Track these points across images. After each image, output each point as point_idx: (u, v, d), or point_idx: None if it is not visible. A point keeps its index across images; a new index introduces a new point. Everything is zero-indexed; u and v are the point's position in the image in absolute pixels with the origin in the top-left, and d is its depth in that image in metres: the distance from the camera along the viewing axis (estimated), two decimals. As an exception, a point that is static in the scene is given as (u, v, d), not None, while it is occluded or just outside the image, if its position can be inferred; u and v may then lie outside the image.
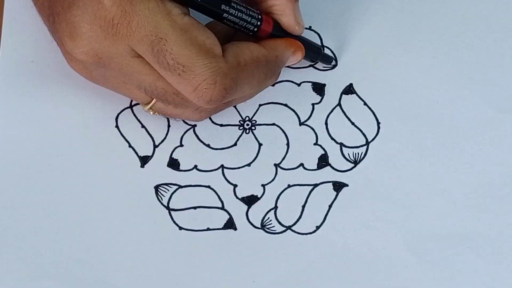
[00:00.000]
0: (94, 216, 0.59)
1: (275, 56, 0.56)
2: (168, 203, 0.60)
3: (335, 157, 0.61)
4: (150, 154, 0.61)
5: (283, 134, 0.62)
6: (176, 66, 0.51)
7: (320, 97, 0.62)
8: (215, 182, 0.60)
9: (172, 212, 0.60)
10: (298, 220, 0.60)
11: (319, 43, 0.63)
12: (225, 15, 0.54)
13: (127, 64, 0.53)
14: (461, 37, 0.63)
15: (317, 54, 0.61)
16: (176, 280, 0.58)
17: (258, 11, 0.56)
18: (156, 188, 0.60)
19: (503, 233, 0.59)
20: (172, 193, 0.60)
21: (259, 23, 0.56)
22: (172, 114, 0.57)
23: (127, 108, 0.62)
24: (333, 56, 0.62)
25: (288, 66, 0.60)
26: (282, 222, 0.60)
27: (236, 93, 0.54)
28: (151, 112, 0.58)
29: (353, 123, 0.62)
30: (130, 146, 0.61)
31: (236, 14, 0.54)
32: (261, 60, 0.55)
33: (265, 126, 0.62)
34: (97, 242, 0.59)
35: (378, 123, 0.62)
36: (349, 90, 0.63)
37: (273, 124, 0.62)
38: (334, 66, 0.62)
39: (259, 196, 0.60)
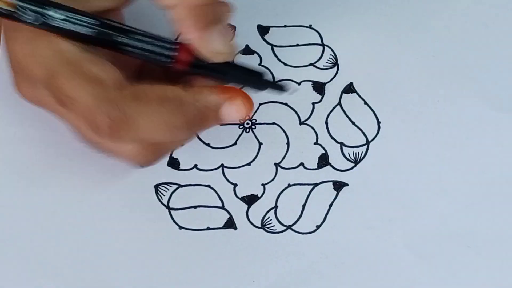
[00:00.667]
0: (94, 215, 0.59)
1: (195, 100, 0.52)
2: (168, 202, 0.60)
3: (335, 157, 0.61)
4: (150, 153, 0.61)
5: (283, 133, 0.61)
6: (66, 99, 0.51)
7: (320, 96, 0.62)
8: (215, 182, 0.60)
9: (172, 212, 0.60)
10: (298, 219, 0.60)
11: (320, 41, 0.63)
12: (121, 47, 0.52)
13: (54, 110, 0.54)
14: (461, 37, 0.63)
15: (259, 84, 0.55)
16: (176, 279, 0.58)
17: (172, 40, 0.53)
18: (156, 187, 0.60)
19: (503, 232, 0.59)
20: (172, 193, 0.60)
21: (172, 53, 0.52)
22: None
23: (126, 107, 0.62)
24: (282, 85, 0.56)
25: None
26: (282, 222, 0.60)
27: (129, 127, 0.50)
28: None
29: (353, 123, 0.62)
30: (130, 145, 0.61)
31: (139, 46, 0.52)
32: (170, 100, 0.51)
33: (265, 125, 0.62)
34: (97, 242, 0.59)
35: (379, 123, 0.62)
36: (349, 89, 0.63)
37: (273, 123, 0.62)
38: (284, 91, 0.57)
39: (259, 195, 0.60)
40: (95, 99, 0.50)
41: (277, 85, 0.56)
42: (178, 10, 0.52)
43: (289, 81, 0.62)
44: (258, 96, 0.62)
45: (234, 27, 0.61)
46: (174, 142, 0.56)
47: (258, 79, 0.55)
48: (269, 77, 0.58)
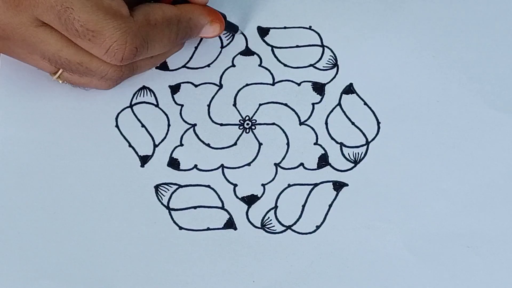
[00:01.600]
0: (94, 216, 0.59)
1: (189, 18, 0.59)
2: (168, 202, 0.60)
3: (335, 157, 0.61)
4: (150, 153, 0.61)
5: (283, 134, 0.61)
6: (86, 32, 0.54)
7: (320, 97, 0.62)
8: (215, 182, 0.60)
9: (172, 212, 0.60)
10: (298, 219, 0.60)
11: (320, 42, 0.63)
12: None
13: (31, 35, 0.55)
14: (461, 37, 0.63)
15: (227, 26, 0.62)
16: (176, 279, 0.58)
17: None
18: (156, 187, 0.60)
19: (503, 232, 0.59)
20: (172, 193, 0.60)
21: None
22: (79, 83, 0.59)
23: (127, 107, 0.62)
24: (236, 25, 0.64)
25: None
26: (282, 222, 0.60)
27: (147, 51, 0.57)
28: (60, 81, 0.59)
29: (353, 123, 0.62)
30: (130, 145, 0.61)
31: None
32: (172, 20, 0.58)
33: (265, 125, 0.62)
34: (97, 242, 0.59)
35: (378, 123, 0.62)
36: (349, 89, 0.63)
37: (273, 123, 0.62)
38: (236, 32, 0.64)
39: (259, 195, 0.60)
40: (121, 33, 0.54)
41: (233, 26, 0.63)
42: None
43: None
44: (258, 97, 0.62)
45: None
46: (162, 55, 0.61)
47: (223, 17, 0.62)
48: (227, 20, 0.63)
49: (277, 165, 0.61)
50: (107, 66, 0.57)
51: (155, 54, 0.59)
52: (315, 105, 0.62)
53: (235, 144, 0.61)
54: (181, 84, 0.63)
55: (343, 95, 0.62)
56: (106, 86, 0.59)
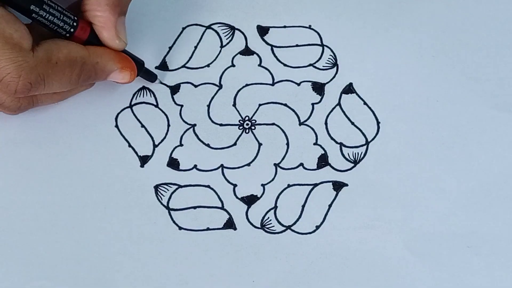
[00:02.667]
0: (94, 216, 0.59)
1: (96, 62, 0.57)
2: (167, 203, 0.60)
3: (335, 157, 0.61)
4: (149, 153, 0.61)
5: (283, 134, 0.61)
6: None
7: (320, 97, 0.62)
8: (214, 182, 0.60)
9: (171, 212, 0.60)
10: (298, 220, 0.60)
11: (320, 42, 0.63)
12: (34, 15, 0.55)
13: None
14: (461, 37, 0.63)
15: (139, 71, 0.61)
16: (176, 280, 0.58)
17: (75, 18, 0.57)
18: (156, 188, 0.60)
19: (503, 232, 0.59)
20: (172, 193, 0.60)
21: (72, 29, 0.56)
22: None
23: (126, 107, 0.62)
24: (155, 74, 0.62)
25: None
26: (282, 222, 0.60)
27: (43, 88, 0.55)
28: None
29: (352, 123, 0.62)
30: (129, 145, 0.61)
31: (46, 17, 0.55)
32: (77, 61, 0.56)
33: (265, 125, 0.62)
34: (97, 242, 0.59)
35: (378, 123, 0.62)
36: (348, 89, 0.63)
37: (273, 123, 0.62)
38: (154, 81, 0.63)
39: (259, 196, 0.60)
40: (16, 66, 0.53)
41: (151, 74, 0.62)
42: None
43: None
44: (258, 97, 0.62)
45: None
46: (59, 94, 0.59)
47: (139, 66, 0.61)
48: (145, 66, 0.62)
49: (276, 165, 0.61)
50: (4, 94, 0.56)
51: (57, 91, 0.58)
52: (315, 105, 0.62)
53: (234, 144, 0.61)
54: (181, 84, 0.63)
55: (343, 95, 0.62)
56: (8, 112, 0.58)
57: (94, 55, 0.57)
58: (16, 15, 0.54)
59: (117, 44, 0.58)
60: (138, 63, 0.60)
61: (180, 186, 0.60)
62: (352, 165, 0.61)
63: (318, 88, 0.63)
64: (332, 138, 0.61)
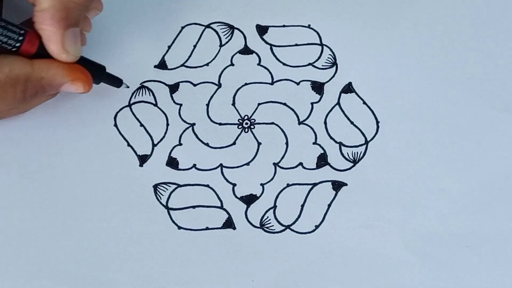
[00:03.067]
0: (93, 215, 0.59)
1: (41, 78, 0.56)
2: (167, 202, 0.60)
3: (334, 156, 0.61)
4: (148, 153, 0.61)
5: (282, 133, 0.61)
6: None
7: (319, 96, 0.62)
8: (214, 181, 0.60)
9: (171, 211, 0.59)
10: (297, 219, 0.60)
11: (319, 41, 0.63)
12: None
13: None
14: (461, 37, 0.63)
15: (99, 78, 0.59)
16: (175, 279, 0.58)
17: (21, 32, 0.55)
18: (155, 187, 0.60)
19: (503, 232, 0.59)
20: (171, 192, 0.60)
21: (18, 44, 0.55)
22: None
23: (125, 106, 0.62)
24: (120, 78, 0.61)
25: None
26: (281, 222, 0.60)
27: None
28: None
29: (352, 122, 0.62)
30: (128, 145, 0.61)
31: None
32: (20, 79, 0.55)
33: (264, 125, 0.62)
34: (96, 242, 0.58)
35: (377, 122, 0.62)
36: (348, 89, 0.63)
37: (272, 123, 0.62)
38: (120, 86, 0.61)
39: (258, 195, 0.60)
40: None
41: (114, 79, 0.60)
42: (46, 6, 0.55)
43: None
44: (257, 96, 0.62)
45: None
46: (9, 111, 0.58)
47: (99, 72, 0.59)
48: (106, 72, 0.60)
49: (276, 164, 0.61)
50: None
51: (2, 110, 0.56)
52: (314, 105, 0.62)
53: (234, 143, 0.61)
54: (180, 83, 0.63)
55: (342, 94, 0.62)
56: None
57: (39, 70, 0.56)
58: None
59: (64, 57, 0.56)
60: (98, 69, 0.59)
61: (179, 186, 0.60)
62: (352, 164, 0.61)
63: (318, 87, 0.63)
64: (331, 138, 0.61)
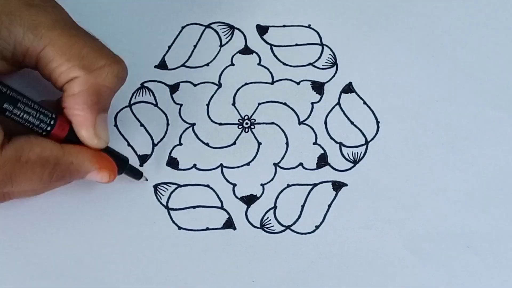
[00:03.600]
0: (93, 215, 0.59)
1: (70, 162, 0.55)
2: (167, 202, 0.60)
3: (334, 157, 0.61)
4: (149, 153, 0.61)
5: (283, 133, 0.61)
6: None
7: (320, 96, 0.62)
8: (214, 182, 0.60)
9: (171, 212, 0.60)
10: (297, 219, 0.60)
11: (319, 41, 0.63)
12: (7, 113, 0.53)
13: None
14: (461, 37, 0.63)
15: (121, 169, 0.58)
16: (175, 279, 0.58)
17: (53, 116, 0.54)
18: (155, 187, 0.60)
19: (503, 232, 0.59)
20: (171, 193, 0.60)
21: (49, 128, 0.54)
22: None
23: (126, 107, 0.62)
24: (140, 171, 0.60)
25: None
26: (282, 222, 0.60)
27: (11, 187, 0.53)
28: None
29: (352, 123, 0.62)
30: (129, 145, 0.61)
31: (21, 116, 0.53)
32: (50, 161, 0.54)
33: (264, 125, 0.62)
34: (96, 242, 0.58)
35: (378, 122, 0.62)
36: (348, 89, 0.63)
37: (273, 123, 0.62)
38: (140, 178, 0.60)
39: (258, 195, 0.60)
40: None
41: (136, 172, 0.59)
42: (78, 90, 0.54)
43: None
44: (257, 96, 0.62)
45: None
46: (26, 192, 0.57)
47: (122, 164, 0.58)
48: (129, 164, 0.59)
49: (276, 165, 0.61)
50: None
51: (23, 190, 0.55)
52: (314, 104, 0.62)
53: (234, 143, 0.61)
54: (180, 83, 0.63)
55: (343, 94, 0.62)
56: None
57: (69, 154, 0.55)
58: None
59: (95, 143, 0.56)
60: (122, 160, 0.58)
61: (179, 186, 0.60)
62: (352, 165, 0.61)
63: (318, 87, 0.63)
64: (331, 138, 0.61)
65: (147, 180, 0.60)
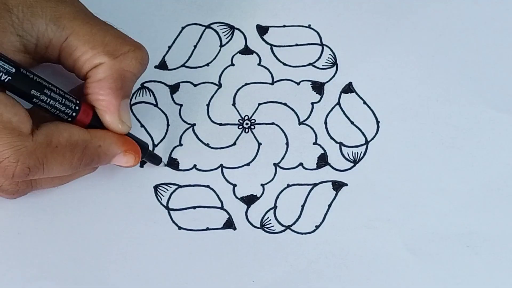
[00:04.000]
0: (94, 215, 0.59)
1: (98, 146, 0.55)
2: (167, 203, 0.60)
3: (334, 157, 0.61)
4: (149, 153, 0.61)
5: (283, 134, 0.61)
6: None
7: (320, 96, 0.62)
8: (214, 182, 0.60)
9: (171, 212, 0.60)
10: (297, 219, 0.60)
11: (319, 41, 0.63)
12: (34, 100, 0.53)
13: None
14: (461, 37, 0.63)
15: (143, 154, 0.59)
16: (175, 280, 0.58)
17: (77, 102, 0.55)
18: (156, 188, 0.60)
19: (503, 232, 0.59)
20: (172, 193, 0.60)
21: (74, 113, 0.55)
22: None
23: (126, 107, 0.62)
24: (160, 156, 0.60)
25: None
26: (282, 222, 0.60)
27: (43, 172, 0.54)
28: None
29: (352, 122, 0.62)
30: (129, 145, 0.61)
31: (47, 101, 0.54)
32: (78, 145, 0.54)
33: (264, 125, 0.62)
34: (97, 242, 0.59)
35: (378, 122, 0.62)
36: (348, 89, 0.63)
37: (273, 123, 0.62)
38: (159, 163, 0.60)
39: (258, 195, 0.60)
40: (14, 151, 0.52)
41: (156, 157, 0.60)
42: (103, 76, 0.55)
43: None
44: (257, 96, 0.62)
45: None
46: (53, 180, 0.57)
47: (143, 149, 0.58)
48: (149, 149, 0.60)
49: (276, 165, 0.61)
50: (2, 178, 0.54)
51: (54, 175, 0.55)
52: (314, 105, 0.62)
53: (234, 144, 0.61)
54: (180, 84, 0.63)
55: (342, 94, 0.62)
56: (5, 196, 0.56)
57: (96, 138, 0.55)
58: (18, 99, 0.53)
59: (120, 128, 0.56)
60: (142, 146, 0.58)
61: (179, 186, 0.60)
62: (352, 164, 0.61)
63: (318, 87, 0.63)
64: (331, 138, 0.61)
65: (166, 165, 0.60)
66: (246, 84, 0.63)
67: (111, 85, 0.55)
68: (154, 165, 0.60)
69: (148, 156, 0.59)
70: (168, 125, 0.62)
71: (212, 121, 0.62)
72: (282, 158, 0.61)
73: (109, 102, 0.55)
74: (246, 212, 0.60)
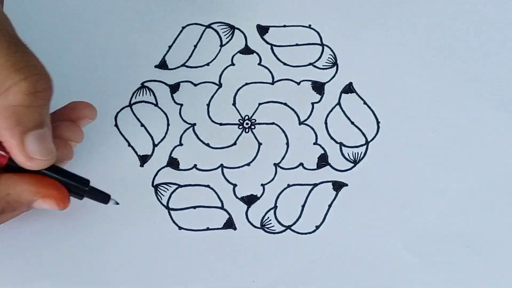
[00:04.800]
0: (94, 215, 0.59)
1: (6, 194, 0.51)
2: (167, 202, 0.60)
3: (334, 157, 0.61)
4: (149, 153, 0.61)
5: (283, 134, 0.61)
6: None
7: (320, 96, 0.62)
8: (214, 182, 0.60)
9: (171, 212, 0.60)
10: (297, 219, 0.60)
11: (320, 41, 0.63)
12: None
13: None
14: (461, 37, 0.63)
15: (81, 193, 0.55)
16: (175, 280, 0.58)
17: None
18: (156, 187, 0.60)
19: (503, 232, 0.59)
20: (172, 193, 0.60)
21: None
22: None
23: (126, 106, 0.62)
24: (107, 194, 0.56)
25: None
26: (282, 222, 0.60)
27: None
28: None
29: (352, 123, 0.62)
30: (129, 145, 0.61)
31: None
32: None
33: (264, 125, 0.62)
34: (97, 242, 0.58)
35: (378, 123, 0.62)
36: (348, 89, 0.63)
37: (273, 123, 0.62)
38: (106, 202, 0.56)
39: (258, 195, 0.60)
40: None
41: (100, 195, 0.55)
42: None
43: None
44: (257, 96, 0.62)
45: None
46: None
47: (81, 186, 0.54)
48: (91, 186, 0.55)
49: (276, 165, 0.61)
50: None
51: None
52: (315, 105, 0.62)
53: (234, 144, 0.61)
54: (181, 83, 0.63)
55: (343, 94, 0.62)
56: None
57: (5, 185, 0.51)
58: None
59: (29, 165, 0.51)
60: (79, 183, 0.54)
61: (179, 186, 0.60)
62: (352, 165, 0.61)
63: (318, 87, 0.63)
64: (332, 138, 0.61)
65: (117, 203, 0.56)
66: (246, 84, 0.63)
67: (3, 125, 0.50)
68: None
69: (89, 194, 0.55)
70: (168, 124, 0.62)
71: (212, 121, 0.62)
72: (282, 158, 0.61)
73: (8, 142, 0.51)
74: (246, 212, 0.60)
